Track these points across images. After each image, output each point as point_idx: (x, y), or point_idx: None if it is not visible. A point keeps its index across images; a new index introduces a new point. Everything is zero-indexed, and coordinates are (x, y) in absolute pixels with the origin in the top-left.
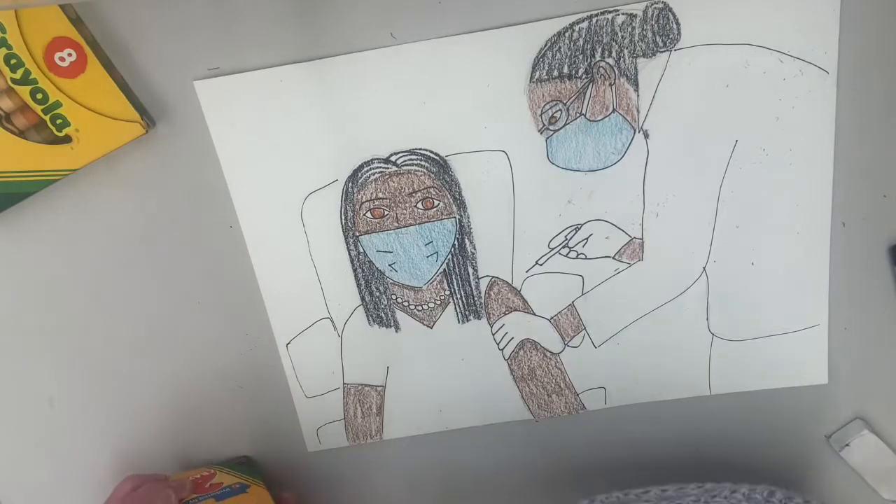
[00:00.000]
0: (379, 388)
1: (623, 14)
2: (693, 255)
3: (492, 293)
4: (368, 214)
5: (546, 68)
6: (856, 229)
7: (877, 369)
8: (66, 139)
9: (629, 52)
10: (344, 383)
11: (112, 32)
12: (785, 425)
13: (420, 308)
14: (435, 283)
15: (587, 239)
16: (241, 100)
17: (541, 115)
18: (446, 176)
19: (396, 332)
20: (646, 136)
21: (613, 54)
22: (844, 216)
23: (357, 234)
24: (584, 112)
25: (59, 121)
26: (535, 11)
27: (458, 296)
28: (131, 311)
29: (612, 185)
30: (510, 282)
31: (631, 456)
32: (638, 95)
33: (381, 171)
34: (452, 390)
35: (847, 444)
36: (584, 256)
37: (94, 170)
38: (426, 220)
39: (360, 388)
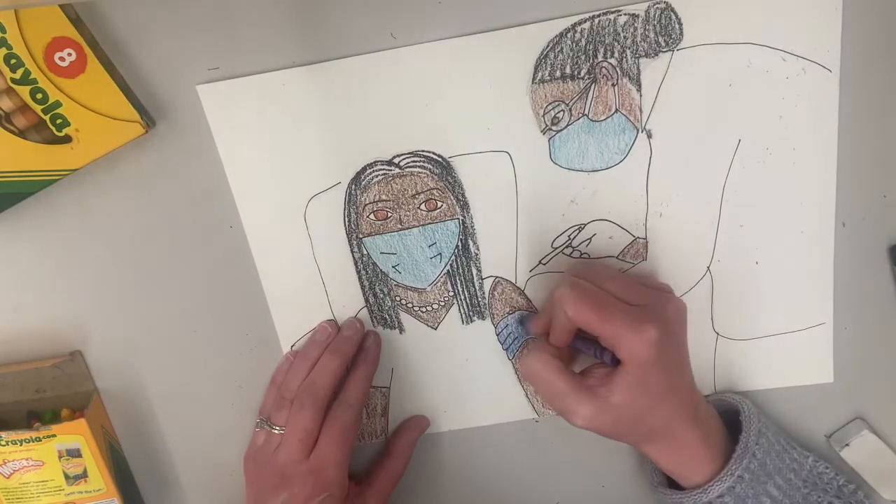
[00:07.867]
0: (383, 390)
1: (625, 14)
2: (697, 254)
3: (495, 293)
4: (372, 216)
5: (548, 69)
6: (856, 229)
7: (877, 369)
8: (66, 139)
9: (631, 52)
10: None
11: (112, 32)
12: (785, 425)
13: (424, 309)
14: (439, 284)
15: (590, 239)
16: (243, 104)
17: (543, 116)
18: (449, 177)
19: (400, 333)
20: (649, 135)
21: (616, 54)
22: (844, 216)
23: (360, 236)
24: (586, 112)
25: (59, 121)
26: (536, 12)
27: (462, 297)
28: (132, 311)
29: (616, 185)
30: (514, 282)
31: (633, 454)
32: (640, 95)
33: (384, 174)
34: (456, 391)
35: (847, 444)
36: (587, 256)
37: (94, 170)
38: (429, 221)
39: None
